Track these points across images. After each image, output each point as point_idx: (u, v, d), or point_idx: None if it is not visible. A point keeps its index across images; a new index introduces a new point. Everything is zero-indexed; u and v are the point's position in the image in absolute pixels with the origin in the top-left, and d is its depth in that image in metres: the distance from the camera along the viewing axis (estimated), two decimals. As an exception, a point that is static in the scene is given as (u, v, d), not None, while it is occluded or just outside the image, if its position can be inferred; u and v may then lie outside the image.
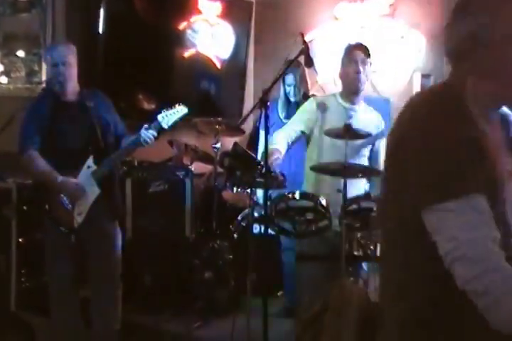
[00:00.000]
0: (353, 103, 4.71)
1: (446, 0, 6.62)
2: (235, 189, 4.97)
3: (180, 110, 4.65)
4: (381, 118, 4.85)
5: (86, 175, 4.57)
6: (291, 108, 5.74)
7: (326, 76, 6.87)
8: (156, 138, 4.64)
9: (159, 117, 4.59)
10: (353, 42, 4.85)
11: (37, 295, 4.94)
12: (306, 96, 5.58)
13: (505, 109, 4.57)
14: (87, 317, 4.74)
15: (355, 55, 4.63)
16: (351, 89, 4.69)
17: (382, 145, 4.81)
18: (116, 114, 4.85)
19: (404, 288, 2.11)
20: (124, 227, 5.39)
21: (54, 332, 4.63)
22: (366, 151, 4.74)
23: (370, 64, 4.68)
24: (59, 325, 4.67)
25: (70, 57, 4.60)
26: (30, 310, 4.74)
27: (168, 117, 4.60)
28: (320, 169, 4.50)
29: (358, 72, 4.61)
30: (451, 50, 2.11)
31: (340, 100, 4.72)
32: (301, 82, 5.83)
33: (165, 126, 4.62)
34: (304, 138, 4.80)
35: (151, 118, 4.63)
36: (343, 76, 4.70)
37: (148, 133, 4.54)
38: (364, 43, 4.80)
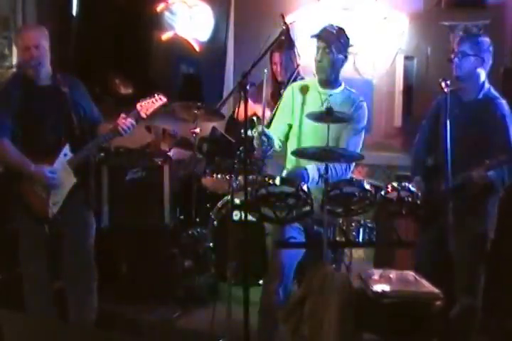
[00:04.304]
0: (328, 88, 4.56)
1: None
2: (216, 175, 4.87)
3: (159, 99, 4.58)
4: (363, 104, 4.65)
5: (62, 164, 4.45)
6: (278, 88, 5.61)
7: (308, 59, 6.74)
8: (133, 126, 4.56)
9: (138, 106, 4.52)
10: (324, 25, 4.63)
11: (8, 288, 4.83)
12: (295, 80, 5.42)
13: (493, 91, 4.55)
14: (63, 307, 4.66)
15: (317, 40, 4.48)
16: (318, 75, 4.56)
17: (357, 132, 4.60)
18: (91, 100, 4.73)
19: None
20: (101, 216, 5.28)
21: (25, 325, 4.53)
22: (345, 136, 4.57)
23: (343, 46, 4.51)
24: (32, 316, 4.57)
25: (42, 40, 4.47)
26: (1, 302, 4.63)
27: (147, 106, 4.52)
28: (301, 154, 4.38)
29: (317, 61, 4.49)
30: None
31: (317, 85, 4.59)
32: (288, 61, 5.68)
33: (143, 115, 4.55)
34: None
35: (127, 103, 4.53)
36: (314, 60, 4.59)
37: (127, 122, 4.46)
38: (338, 25, 4.59)
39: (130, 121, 4.48)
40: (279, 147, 4.65)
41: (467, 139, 4.41)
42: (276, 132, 4.65)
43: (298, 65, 5.59)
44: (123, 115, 4.50)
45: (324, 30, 4.48)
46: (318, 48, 4.47)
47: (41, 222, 4.45)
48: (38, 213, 4.45)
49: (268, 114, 5.43)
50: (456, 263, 4.43)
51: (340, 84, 4.59)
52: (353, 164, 4.60)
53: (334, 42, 4.43)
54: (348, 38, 4.50)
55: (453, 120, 4.25)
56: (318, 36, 4.47)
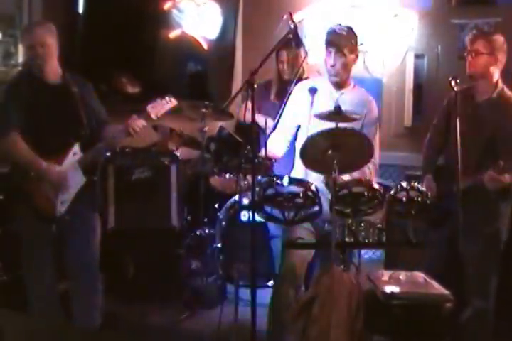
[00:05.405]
0: (339, 87, 4.53)
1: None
2: (226, 175, 4.84)
3: (169, 101, 4.57)
4: (374, 103, 4.62)
5: (71, 163, 4.42)
6: (284, 86, 5.57)
7: (317, 57, 6.69)
8: None
9: (149, 108, 4.49)
10: (333, 26, 4.53)
11: (13, 290, 4.81)
12: (300, 79, 5.38)
13: (507, 91, 4.51)
14: (68, 309, 4.62)
15: (329, 45, 4.43)
16: (330, 77, 4.51)
17: (373, 132, 4.57)
18: (98, 99, 4.70)
19: None
20: (106, 216, 5.25)
21: (29, 326, 4.51)
22: None
23: (354, 46, 4.46)
24: (37, 319, 4.53)
25: (49, 37, 4.42)
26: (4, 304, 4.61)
27: (158, 108, 4.51)
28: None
29: (330, 65, 4.44)
30: None
31: (327, 84, 4.54)
32: (295, 60, 5.64)
33: (154, 117, 4.53)
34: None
35: (134, 102, 4.49)
36: (324, 62, 4.53)
37: (138, 124, 4.46)
38: (347, 25, 4.53)
39: (141, 122, 4.47)
40: (287, 147, 4.63)
41: (480, 139, 4.39)
42: (283, 132, 4.62)
43: (302, 64, 5.54)
44: (134, 116, 4.47)
45: (334, 32, 4.43)
46: (329, 52, 4.43)
47: (48, 221, 4.42)
48: (45, 212, 4.42)
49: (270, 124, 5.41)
50: (468, 264, 4.40)
51: (350, 83, 4.56)
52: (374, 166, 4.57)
53: (346, 45, 4.39)
54: (356, 36, 4.47)
55: (466, 119, 4.22)
56: (330, 41, 4.42)
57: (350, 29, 4.45)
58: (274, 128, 4.72)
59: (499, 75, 4.50)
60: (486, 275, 4.48)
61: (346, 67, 4.46)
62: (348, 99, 4.48)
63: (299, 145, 4.59)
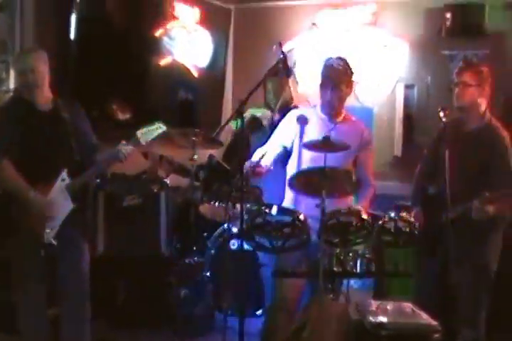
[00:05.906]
0: (332, 116, 4.54)
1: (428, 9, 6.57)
2: (215, 203, 4.83)
3: (159, 127, 4.53)
4: (365, 128, 4.67)
5: (60, 189, 4.39)
6: (272, 115, 5.61)
7: (307, 85, 6.71)
8: None
9: (138, 133, 4.47)
10: (329, 58, 4.57)
11: (2, 314, 4.77)
12: (287, 107, 5.40)
13: (494, 122, 4.52)
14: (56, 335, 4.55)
15: (325, 80, 4.46)
16: (325, 110, 4.54)
17: (367, 155, 4.62)
18: (89, 125, 4.69)
19: None
20: (96, 243, 5.22)
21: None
22: (348, 164, 4.56)
23: (350, 79, 4.49)
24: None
25: (40, 63, 4.42)
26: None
27: (147, 134, 4.48)
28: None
29: (327, 100, 4.47)
30: None
31: (320, 113, 4.56)
32: (279, 89, 5.66)
33: (143, 143, 4.49)
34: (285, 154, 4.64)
35: (125, 128, 4.48)
36: (319, 94, 4.54)
37: (127, 148, 4.42)
38: (342, 56, 4.58)
39: (130, 147, 4.46)
40: (271, 165, 4.61)
41: (469, 169, 4.40)
42: (269, 151, 4.60)
43: (285, 93, 5.59)
44: (123, 142, 4.46)
45: (331, 67, 4.46)
46: (326, 88, 4.44)
47: (37, 246, 4.38)
48: (32, 238, 4.37)
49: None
50: (458, 294, 4.37)
51: (343, 112, 4.59)
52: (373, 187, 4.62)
53: (343, 80, 4.43)
54: (351, 69, 4.50)
55: (455, 150, 4.23)
56: (327, 76, 4.45)
57: (345, 62, 4.49)
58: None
59: (486, 106, 4.53)
60: (475, 305, 4.44)
61: (341, 100, 4.49)
62: (344, 129, 4.50)
63: (290, 172, 4.60)
